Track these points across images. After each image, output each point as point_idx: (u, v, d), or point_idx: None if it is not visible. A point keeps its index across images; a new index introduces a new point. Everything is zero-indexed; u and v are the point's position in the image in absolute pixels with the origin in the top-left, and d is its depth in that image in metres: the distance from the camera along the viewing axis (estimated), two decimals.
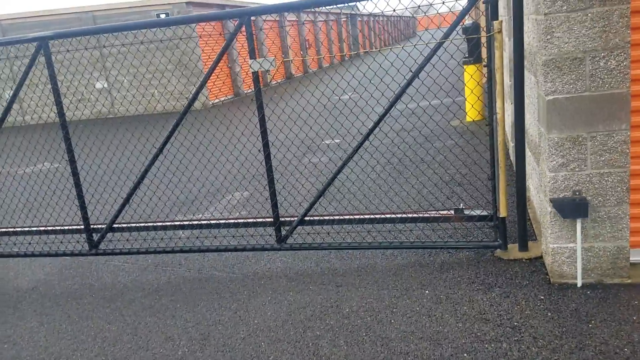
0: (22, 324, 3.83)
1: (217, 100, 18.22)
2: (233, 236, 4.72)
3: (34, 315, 3.95)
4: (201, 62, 16.92)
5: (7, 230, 4.84)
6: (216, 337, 3.33)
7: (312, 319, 3.39)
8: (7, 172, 8.76)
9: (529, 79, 4.12)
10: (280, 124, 10.28)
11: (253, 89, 21.37)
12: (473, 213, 3.96)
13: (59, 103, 4.33)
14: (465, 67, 8.63)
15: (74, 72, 17.65)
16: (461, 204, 4.26)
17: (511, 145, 5.84)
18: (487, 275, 3.65)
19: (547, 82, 3.16)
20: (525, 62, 4.16)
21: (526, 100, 4.36)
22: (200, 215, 5.77)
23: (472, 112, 8.72)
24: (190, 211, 5.98)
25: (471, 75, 8.44)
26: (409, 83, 3.61)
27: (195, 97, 4.03)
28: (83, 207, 4.48)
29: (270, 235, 4.75)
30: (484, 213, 3.93)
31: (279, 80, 23.91)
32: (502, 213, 3.77)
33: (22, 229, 4.80)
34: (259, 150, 4.31)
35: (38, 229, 4.76)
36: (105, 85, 17.90)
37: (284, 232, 4.25)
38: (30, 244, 5.12)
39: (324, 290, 3.74)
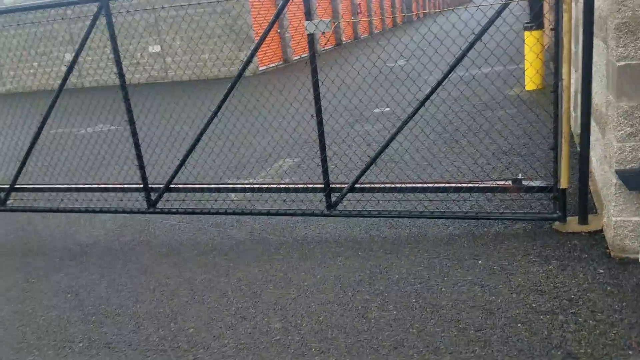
0: (84, 276, 4.04)
1: (266, 67, 18.25)
2: (284, 201, 4.77)
3: (95, 268, 4.15)
4: (252, 29, 16.92)
5: (69, 186, 5.07)
6: (268, 296, 3.41)
7: (361, 284, 3.41)
8: (69, 132, 9.12)
9: (597, 45, 3.90)
10: (333, 90, 10.22)
11: (303, 56, 21.18)
12: (532, 184, 3.84)
13: (118, 63, 4.43)
14: (527, 33, 8.26)
15: (128, 36, 18.02)
16: (519, 174, 4.13)
17: (574, 114, 5.59)
18: (544, 247, 3.55)
19: (619, 47, 2.98)
20: (594, 28, 3.93)
21: (593, 68, 4.14)
22: (252, 180, 5.85)
23: (535, 79, 8.37)
24: (242, 175, 6.08)
25: (537, 39, 8.05)
26: (471, 45, 3.48)
27: (249, 61, 4.04)
28: (142, 167, 4.63)
29: (320, 201, 4.77)
30: (543, 184, 3.81)
31: (330, 47, 23.66)
32: (563, 184, 3.64)
33: (84, 186, 5.01)
34: (312, 116, 4.30)
35: (99, 186, 4.96)
36: (159, 50, 18.23)
37: (334, 199, 4.26)
38: (91, 200, 5.35)
39: (373, 257, 3.74)
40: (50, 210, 5.06)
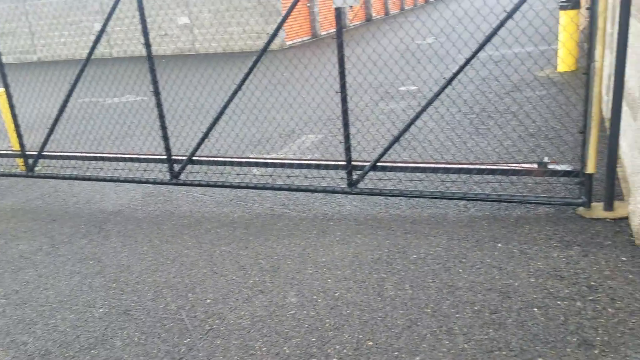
0: (107, 243, 4.13)
1: (293, 42, 18.10)
2: (305, 177, 4.77)
3: (117, 237, 4.24)
4: (280, 3, 16.75)
5: (95, 155, 5.15)
6: (285, 270, 3.44)
7: (378, 262, 3.40)
8: (96, 101, 9.25)
9: (633, 26, 3.74)
10: (359, 67, 10.09)
11: (330, 31, 20.89)
12: (558, 167, 3.75)
13: (145, 34, 4.44)
14: (562, 12, 7.99)
15: (155, 7, 18.04)
16: (545, 158, 4.04)
17: (605, 98, 5.42)
18: (566, 232, 3.48)
19: None
20: (632, 8, 3.77)
21: (629, 51, 3.99)
22: (274, 155, 5.86)
23: (567, 60, 8.13)
24: (265, 150, 6.09)
25: (571, 19, 7.78)
26: (502, 23, 3.38)
27: (275, 34, 4.00)
28: (166, 138, 4.67)
29: (341, 178, 4.76)
30: (570, 168, 3.72)
31: (359, 22, 23.32)
32: (590, 169, 3.54)
33: (109, 155, 5.09)
34: (336, 92, 4.26)
35: (124, 156, 5.03)
36: (187, 22, 18.22)
37: (355, 176, 4.24)
38: (115, 169, 5.43)
39: (392, 236, 3.73)
40: (77, 178, 5.16)
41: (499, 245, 3.44)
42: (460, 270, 3.20)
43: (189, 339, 2.84)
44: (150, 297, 3.29)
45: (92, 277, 3.63)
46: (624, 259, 3.11)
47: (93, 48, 4.67)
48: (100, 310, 3.21)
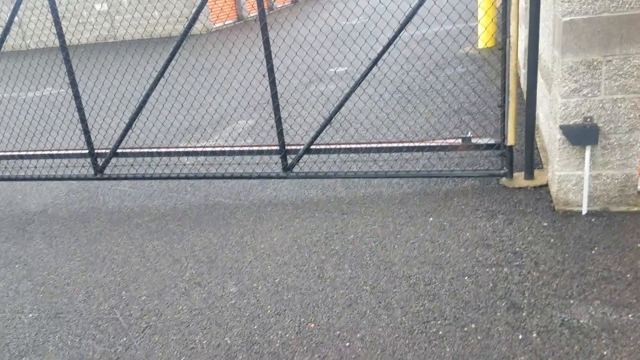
0: (32, 245, 3.91)
1: (220, 24, 17.69)
2: (239, 164, 4.71)
3: (43, 237, 4.02)
4: None
5: (12, 154, 4.84)
6: (223, 261, 3.39)
7: (317, 245, 3.43)
8: (9, 97, 8.66)
9: (545, 0, 3.93)
10: (285, 49, 10.02)
11: (256, 14, 20.59)
12: (480, 141, 3.90)
13: (57, 23, 4.18)
14: None
15: None
16: (469, 133, 4.20)
17: (523, 72, 5.69)
18: (491, 203, 3.65)
19: (564, 2, 3.01)
20: None
21: (541, 24, 4.19)
22: (205, 143, 5.74)
23: (486, 37, 8.44)
24: (194, 139, 5.95)
25: None
26: (421, 3, 3.45)
27: (196, 17, 3.88)
28: (86, 131, 4.45)
29: (276, 163, 4.73)
30: (492, 141, 3.88)
31: (284, 4, 23.10)
32: (510, 141, 3.72)
33: (28, 153, 4.80)
34: (264, 76, 4.21)
35: (43, 152, 4.75)
36: (106, 7, 17.35)
37: (290, 161, 4.23)
38: (36, 167, 5.13)
39: (330, 218, 3.76)
40: None
41: (431, 219, 3.56)
42: (396, 246, 3.29)
43: (125, 338, 2.76)
44: (81, 299, 3.15)
45: (18, 281, 3.43)
46: (545, 224, 3.30)
47: (2, 40, 4.35)
48: (30, 315, 3.05)
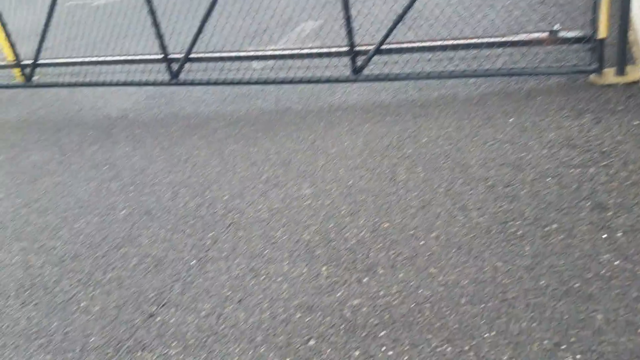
0: (118, 149, 4.14)
1: None
2: (307, 67, 4.64)
3: (126, 141, 4.24)
4: None
5: (91, 60, 5.01)
6: (297, 164, 3.46)
7: (389, 148, 3.41)
8: (83, 3, 8.83)
9: None
10: None
11: None
12: (568, 35, 3.61)
13: None
14: None
15: None
16: (556, 25, 3.87)
17: None
18: (578, 101, 3.43)
19: None
20: None
21: None
22: (273, 46, 5.67)
23: None
24: (263, 42, 5.88)
25: None
26: None
27: None
28: (160, 35, 4.50)
29: (345, 66, 4.62)
30: (581, 34, 3.58)
31: None
32: (602, 34, 3.41)
33: (107, 59, 4.95)
34: None
35: (120, 58, 4.89)
36: None
37: (359, 63, 4.11)
38: (114, 73, 5.30)
39: (401, 121, 3.69)
40: (76, 85, 5.08)
41: (511, 120, 3.41)
42: (472, 149, 3.21)
43: (212, 233, 2.94)
44: (168, 197, 3.36)
45: (108, 181, 3.68)
46: (636, 123, 3.09)
47: None
48: (123, 212, 3.30)
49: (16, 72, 5.53)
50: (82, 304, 2.58)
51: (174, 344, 2.26)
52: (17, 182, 3.90)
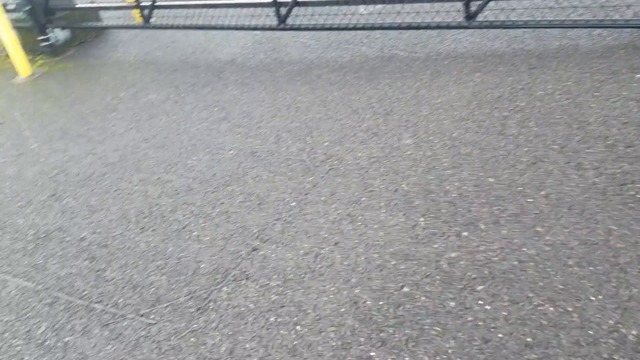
0: (227, 91, 4.30)
1: None
2: (417, 12, 4.48)
3: (235, 85, 4.39)
4: None
5: (204, 3, 5.19)
6: (398, 113, 3.41)
7: (499, 100, 3.25)
8: None
9: None
10: None
11: None
12: None
13: None
14: None
15: None
16: None
17: None
18: None
19: None
20: None
21: None
22: None
23: None
24: None
25: None
26: None
27: None
28: None
29: (457, 11, 4.41)
30: None
31: None
32: None
33: (218, 2, 5.10)
34: None
35: (232, 2, 5.01)
36: None
37: (473, 8, 3.90)
38: (225, 17, 5.45)
39: (515, 72, 3.49)
40: (189, 27, 5.29)
41: (638, 75, 3.11)
42: (593, 105, 2.98)
43: (312, 177, 3.02)
44: (272, 141, 3.47)
45: (218, 122, 3.86)
46: None
47: None
48: (230, 152, 3.46)
49: (135, 13, 5.86)
50: (194, 234, 2.78)
51: (274, 277, 2.39)
52: (137, 118, 4.21)
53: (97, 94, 4.83)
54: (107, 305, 2.45)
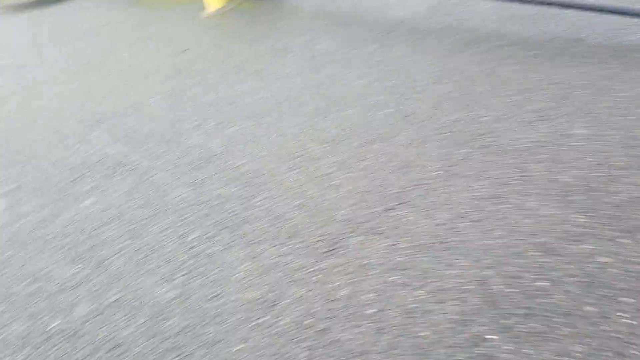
0: (394, 51, 4.26)
1: None
2: None
3: (403, 45, 4.33)
4: None
5: None
6: (575, 100, 3.13)
7: None
8: None
9: None
10: None
11: None
12: None
13: None
14: None
15: None
16: None
17: None
18: None
19: None
20: None
21: None
22: None
23: None
24: None
25: None
26: None
27: None
28: None
29: None
30: None
31: None
32: None
33: None
34: None
35: None
36: None
37: None
38: None
39: None
40: None
41: None
42: None
43: (463, 150, 2.92)
44: (430, 106, 3.40)
45: (379, 80, 3.87)
46: None
47: None
48: (385, 111, 3.47)
49: None
50: (334, 182, 2.87)
51: (405, 239, 2.39)
52: (302, 65, 4.38)
53: (274, 36, 5.11)
54: (253, 229, 2.66)
